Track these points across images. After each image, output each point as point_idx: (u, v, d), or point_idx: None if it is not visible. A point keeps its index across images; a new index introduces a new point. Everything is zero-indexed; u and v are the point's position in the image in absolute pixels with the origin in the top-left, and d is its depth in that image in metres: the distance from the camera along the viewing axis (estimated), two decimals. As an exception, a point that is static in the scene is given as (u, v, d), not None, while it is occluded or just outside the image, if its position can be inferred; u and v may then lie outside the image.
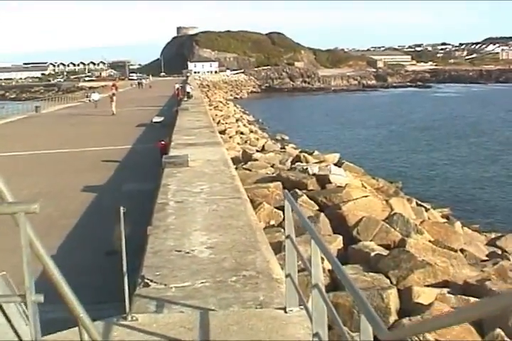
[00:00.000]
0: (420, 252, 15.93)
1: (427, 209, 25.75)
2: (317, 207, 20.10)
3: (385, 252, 15.91)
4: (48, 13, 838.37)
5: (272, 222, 18.18)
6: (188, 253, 9.51)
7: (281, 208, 18.97)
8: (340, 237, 16.92)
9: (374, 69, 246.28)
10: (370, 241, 17.18)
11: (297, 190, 20.86)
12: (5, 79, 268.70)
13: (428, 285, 14.05)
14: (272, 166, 27.94)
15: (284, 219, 17.87)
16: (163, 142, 25.42)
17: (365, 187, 25.06)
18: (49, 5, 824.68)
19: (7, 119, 53.52)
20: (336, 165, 27.97)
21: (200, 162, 18.58)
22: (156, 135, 30.70)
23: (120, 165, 26.10)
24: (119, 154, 28.83)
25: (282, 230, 16.66)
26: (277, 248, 15.09)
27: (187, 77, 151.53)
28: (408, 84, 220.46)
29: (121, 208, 6.62)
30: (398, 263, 14.61)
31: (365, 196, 21.07)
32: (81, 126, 45.34)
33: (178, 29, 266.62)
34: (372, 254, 15.58)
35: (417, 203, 26.65)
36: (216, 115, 60.51)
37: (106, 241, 14.22)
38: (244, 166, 26.78)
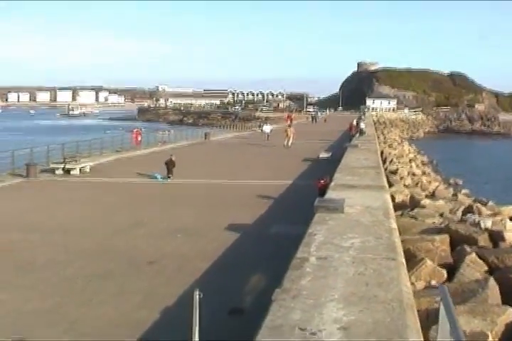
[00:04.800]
0: None
1: None
2: (486, 268, 17.52)
3: None
4: (232, 44, 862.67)
5: (433, 282, 15.83)
6: (313, 334, 7.47)
7: (446, 266, 16.78)
8: (510, 309, 14.29)
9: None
10: (547, 314, 14.46)
11: (466, 246, 18.40)
12: (185, 104, 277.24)
13: None
14: (440, 215, 25.41)
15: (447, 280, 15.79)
16: (322, 181, 23.49)
17: (545, 247, 22.09)
18: (236, 35, 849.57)
19: (175, 144, 53.60)
20: (512, 219, 25.10)
21: (357, 208, 16.48)
22: (320, 171, 28.84)
23: (275, 202, 24.56)
24: (277, 190, 27.36)
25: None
26: (435, 315, 12.83)
27: (364, 113, 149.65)
28: None
29: (197, 292, 4.74)
30: None
31: (544, 259, 18.26)
32: (245, 157, 44.96)
33: (359, 64, 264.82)
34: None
35: None
36: (390, 154, 58.19)
37: (234, 294, 12.49)
38: (410, 213, 24.44)
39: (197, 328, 5.54)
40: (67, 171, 33.18)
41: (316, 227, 13.88)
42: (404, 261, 11.66)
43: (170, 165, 31.96)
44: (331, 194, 19.13)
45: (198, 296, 5.20)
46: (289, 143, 52.43)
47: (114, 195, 26.75)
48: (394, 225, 14.67)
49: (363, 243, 12.37)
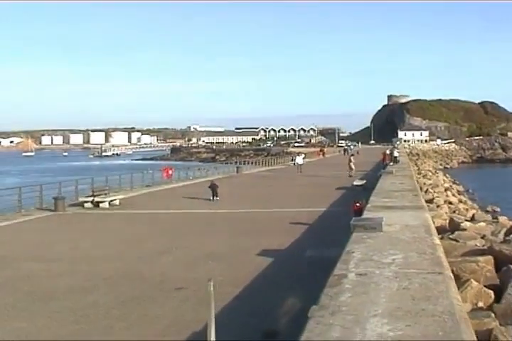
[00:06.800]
0: None
1: None
2: (537, 288, 16.57)
3: None
4: (262, 82, 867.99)
5: (480, 304, 15.01)
6: (357, 351, 6.57)
7: (492, 287, 15.78)
8: None
9: None
10: None
11: (512, 267, 17.52)
12: (217, 142, 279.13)
13: None
14: (482, 237, 24.48)
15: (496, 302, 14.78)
16: (358, 204, 22.67)
17: None
18: (263, 75, 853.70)
19: (206, 178, 53.04)
20: (556, 239, 24.18)
21: (396, 227, 15.60)
22: (355, 198, 28.01)
23: (309, 228, 23.81)
24: (311, 217, 26.55)
25: (492, 315, 13.44)
26: (485, 338, 11.89)
27: (396, 145, 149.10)
28: None
29: (211, 282, 3.95)
30: None
31: None
32: (278, 188, 44.37)
33: (389, 97, 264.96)
34: None
35: None
36: (424, 184, 57.56)
37: (268, 318, 11.59)
38: (450, 236, 23.63)
39: (213, 321, 4.68)
40: (96, 204, 32.54)
41: (354, 246, 13.04)
42: (451, 275, 10.71)
43: (214, 187, 35.44)
44: (367, 215, 18.28)
45: (211, 287, 4.32)
46: (353, 172, 53.17)
47: (143, 225, 26.10)
48: (437, 241, 13.77)
49: (405, 259, 11.47)
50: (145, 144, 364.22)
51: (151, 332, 11.02)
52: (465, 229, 25.71)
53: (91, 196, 33.39)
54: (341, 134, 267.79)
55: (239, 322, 11.39)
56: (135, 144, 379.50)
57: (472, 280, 15.69)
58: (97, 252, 19.50)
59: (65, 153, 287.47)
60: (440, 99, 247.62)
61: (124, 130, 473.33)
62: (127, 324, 11.50)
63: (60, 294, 13.95)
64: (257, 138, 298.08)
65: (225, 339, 9.31)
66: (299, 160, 65.75)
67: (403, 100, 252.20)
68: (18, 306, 13.03)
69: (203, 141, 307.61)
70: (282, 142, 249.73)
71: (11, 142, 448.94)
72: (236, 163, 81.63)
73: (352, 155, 58.92)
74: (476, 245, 22.10)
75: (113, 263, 17.44)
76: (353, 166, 54.47)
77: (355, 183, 39.84)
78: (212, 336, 5.56)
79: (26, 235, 24.05)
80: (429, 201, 41.35)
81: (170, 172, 51.41)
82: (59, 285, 14.80)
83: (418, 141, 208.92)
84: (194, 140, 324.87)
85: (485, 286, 15.73)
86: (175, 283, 14.72)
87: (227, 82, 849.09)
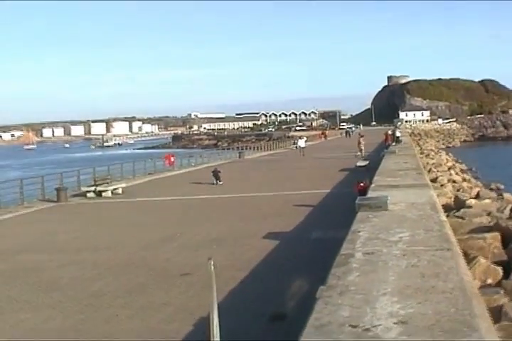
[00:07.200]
0: None
1: None
2: (546, 265, 16.51)
3: None
4: (261, 67, 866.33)
5: (489, 281, 14.95)
6: (367, 330, 6.39)
7: (500, 263, 15.65)
8: None
9: None
10: None
11: (519, 243, 17.52)
12: (218, 129, 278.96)
13: None
14: (488, 214, 24.30)
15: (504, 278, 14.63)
16: (362, 184, 22.55)
17: None
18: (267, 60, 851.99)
19: (209, 165, 52.91)
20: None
21: (402, 205, 15.41)
22: (358, 178, 27.90)
23: (314, 209, 23.70)
24: (315, 199, 26.40)
25: (502, 291, 13.30)
26: (495, 314, 11.70)
27: (398, 126, 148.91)
28: None
29: (210, 261, 3.79)
30: None
31: None
32: (281, 171, 44.31)
33: (389, 78, 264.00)
34: None
35: None
36: (427, 163, 57.22)
37: (275, 301, 11.44)
38: (455, 214, 23.47)
39: (215, 306, 4.50)
40: (99, 194, 32.40)
41: (360, 225, 12.85)
42: (460, 251, 10.54)
43: (216, 173, 36.01)
44: (372, 194, 18.09)
45: (212, 266, 4.14)
46: (363, 153, 53.05)
47: (146, 213, 26.04)
48: (444, 218, 13.58)
49: (412, 236, 11.29)
50: (146, 133, 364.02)
51: (157, 319, 10.89)
52: (470, 207, 25.55)
53: (93, 185, 33.24)
54: (342, 117, 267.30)
55: (244, 308, 11.28)
56: (136, 133, 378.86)
57: (480, 257, 15.59)
58: (100, 241, 19.40)
59: (67, 145, 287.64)
60: (440, 79, 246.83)
61: (125, 119, 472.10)
62: (132, 312, 11.36)
63: (64, 284, 13.85)
64: (258, 123, 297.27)
65: (232, 322, 9.21)
66: (301, 143, 65.91)
67: (403, 81, 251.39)
68: (22, 297, 12.92)
69: (204, 128, 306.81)
70: (284, 126, 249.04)
71: (12, 136, 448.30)
72: (238, 148, 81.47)
73: (362, 136, 58.04)
74: (482, 222, 21.97)
75: (117, 252, 17.35)
76: (362, 148, 54.28)
77: (358, 164, 39.72)
78: (215, 318, 5.40)
79: (29, 227, 23.96)
80: (433, 180, 41.15)
81: (172, 159, 51.22)
82: (63, 276, 14.70)
83: (419, 121, 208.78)
84: (195, 127, 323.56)
85: (493, 263, 15.66)
86: (180, 270, 14.62)
87: (226, 68, 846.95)
